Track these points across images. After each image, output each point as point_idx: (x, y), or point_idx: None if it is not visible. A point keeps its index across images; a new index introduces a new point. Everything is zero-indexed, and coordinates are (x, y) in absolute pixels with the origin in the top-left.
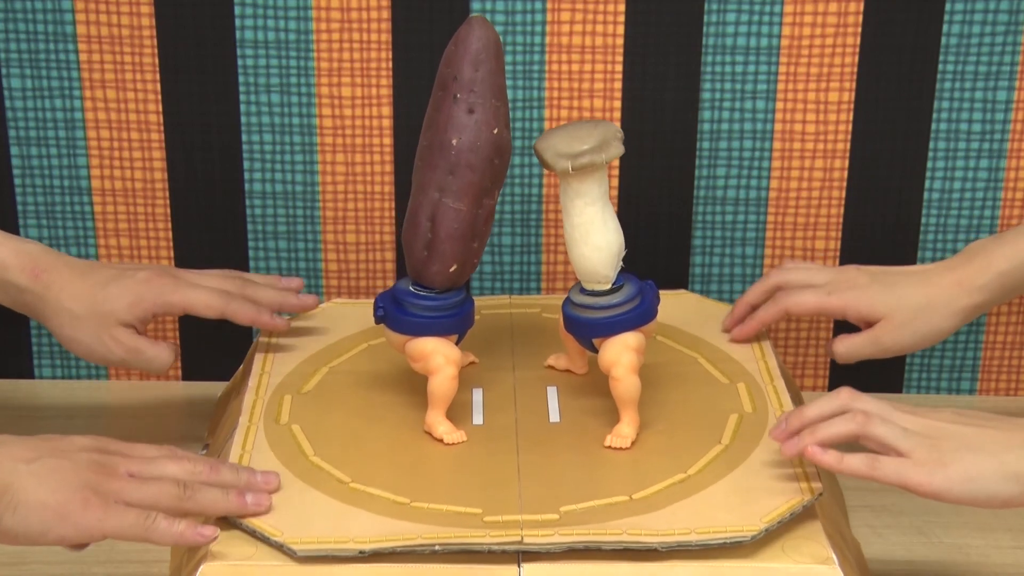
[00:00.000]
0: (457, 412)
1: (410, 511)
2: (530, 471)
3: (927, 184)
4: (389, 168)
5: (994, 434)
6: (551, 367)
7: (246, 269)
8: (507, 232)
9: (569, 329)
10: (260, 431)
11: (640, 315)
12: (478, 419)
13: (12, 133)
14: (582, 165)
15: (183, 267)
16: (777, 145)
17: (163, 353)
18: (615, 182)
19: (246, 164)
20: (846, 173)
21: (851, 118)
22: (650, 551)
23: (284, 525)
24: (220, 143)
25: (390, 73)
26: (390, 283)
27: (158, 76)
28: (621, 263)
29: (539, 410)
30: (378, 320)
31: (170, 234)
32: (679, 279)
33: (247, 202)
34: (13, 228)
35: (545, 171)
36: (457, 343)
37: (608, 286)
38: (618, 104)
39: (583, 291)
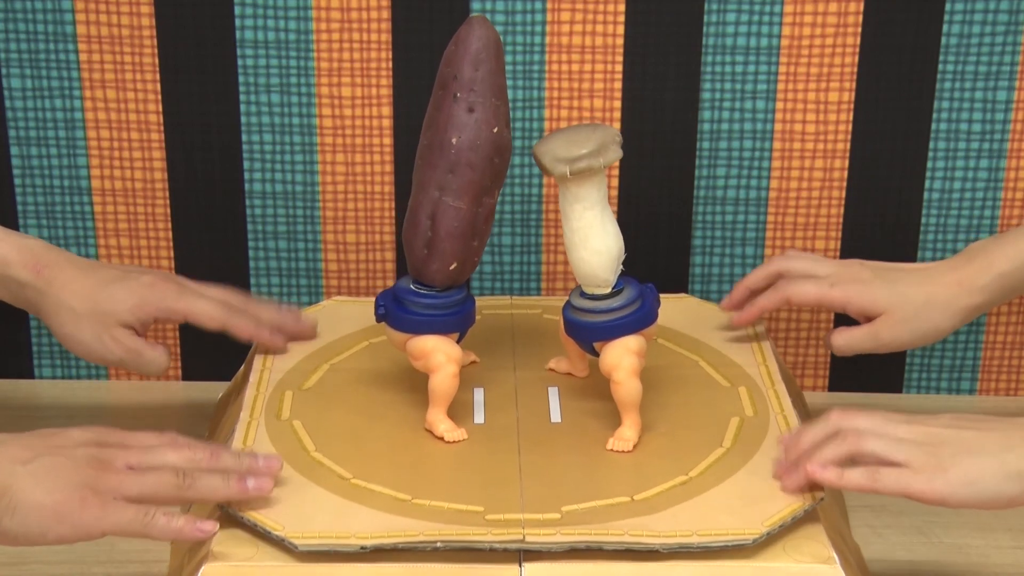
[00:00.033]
0: (458, 411)
1: (411, 508)
2: (531, 470)
3: (927, 184)
4: (389, 168)
5: (993, 435)
6: (552, 371)
7: (246, 269)
8: (507, 232)
9: (570, 333)
10: (261, 426)
11: (641, 318)
12: (479, 418)
13: (12, 133)
14: (580, 170)
15: (184, 268)
16: (777, 145)
17: (161, 356)
18: (615, 182)
19: (246, 164)
20: (846, 173)
21: (851, 118)
22: (651, 552)
23: (285, 520)
24: (220, 143)
25: (390, 73)
26: (390, 283)
27: (158, 76)
28: (621, 266)
29: (540, 410)
30: (379, 318)
31: (170, 234)
32: (679, 279)
33: (247, 202)
34: (13, 228)
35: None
36: (458, 341)
37: (608, 290)
38: (618, 104)
39: (583, 295)
